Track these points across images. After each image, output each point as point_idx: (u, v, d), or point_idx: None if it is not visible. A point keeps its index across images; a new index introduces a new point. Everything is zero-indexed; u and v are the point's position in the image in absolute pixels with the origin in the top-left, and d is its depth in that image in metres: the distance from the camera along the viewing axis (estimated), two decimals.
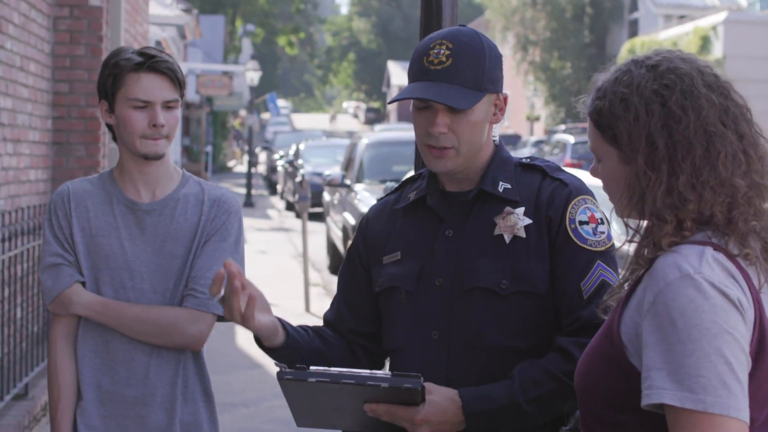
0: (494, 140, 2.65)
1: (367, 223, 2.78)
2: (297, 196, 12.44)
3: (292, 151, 30.10)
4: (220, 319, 3.11)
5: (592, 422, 2.02)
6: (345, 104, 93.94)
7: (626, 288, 2.03)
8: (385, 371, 2.39)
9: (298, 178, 17.95)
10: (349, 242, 3.07)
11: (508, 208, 2.55)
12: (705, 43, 30.55)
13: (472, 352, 2.52)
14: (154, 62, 3.05)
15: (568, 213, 2.51)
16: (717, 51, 29.46)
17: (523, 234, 2.52)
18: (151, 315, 3.08)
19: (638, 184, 1.98)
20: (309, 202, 12.01)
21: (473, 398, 2.43)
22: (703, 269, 1.87)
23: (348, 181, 13.88)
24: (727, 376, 1.81)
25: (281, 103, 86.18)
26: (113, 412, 3.12)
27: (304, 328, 2.71)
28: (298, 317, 10.82)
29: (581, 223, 2.51)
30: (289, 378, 2.37)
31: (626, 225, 2.04)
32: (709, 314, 1.83)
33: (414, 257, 2.61)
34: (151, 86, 3.06)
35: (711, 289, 1.85)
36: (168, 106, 3.09)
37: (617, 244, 2.24)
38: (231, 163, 53.12)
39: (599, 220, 2.53)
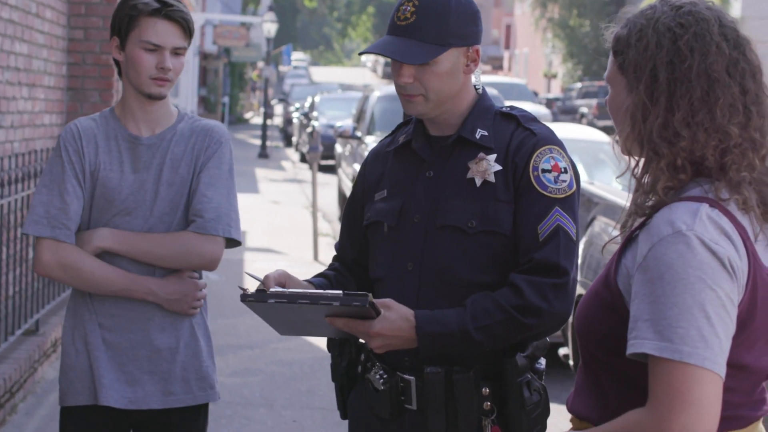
0: (477, 89, 2.84)
1: (365, 164, 3.01)
2: (308, 147, 12.60)
3: (307, 104, 30.20)
4: (230, 244, 3.35)
5: (594, 365, 2.13)
6: (363, 58, 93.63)
7: (623, 235, 2.11)
8: (337, 290, 2.61)
9: (309, 129, 18.08)
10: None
11: (481, 154, 2.74)
12: (723, 4, 30.45)
13: (441, 283, 2.72)
14: (170, 10, 3.27)
15: (532, 161, 2.69)
16: (735, 11, 29.39)
17: (492, 179, 2.71)
18: (166, 240, 3.29)
19: (638, 114, 2.04)
20: (319, 152, 12.15)
21: (426, 320, 2.63)
22: (695, 226, 1.93)
23: (359, 133, 14.01)
24: (705, 330, 1.88)
25: (300, 55, 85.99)
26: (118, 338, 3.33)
27: (326, 276, 2.95)
28: (306, 265, 11.02)
29: (544, 171, 2.68)
30: (251, 300, 2.61)
31: (627, 153, 2.09)
32: (696, 270, 1.90)
33: (398, 195, 2.82)
34: (164, 32, 3.27)
35: (700, 246, 1.91)
36: (176, 52, 3.30)
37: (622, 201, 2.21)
38: (248, 115, 53.22)
39: (562, 169, 2.69)
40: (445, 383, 2.67)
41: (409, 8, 2.71)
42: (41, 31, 7.39)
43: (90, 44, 8.21)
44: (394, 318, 2.62)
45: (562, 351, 6.92)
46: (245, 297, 2.61)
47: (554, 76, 50.47)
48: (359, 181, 3.00)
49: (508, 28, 58.72)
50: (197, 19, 26.48)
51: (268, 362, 7.38)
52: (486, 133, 2.76)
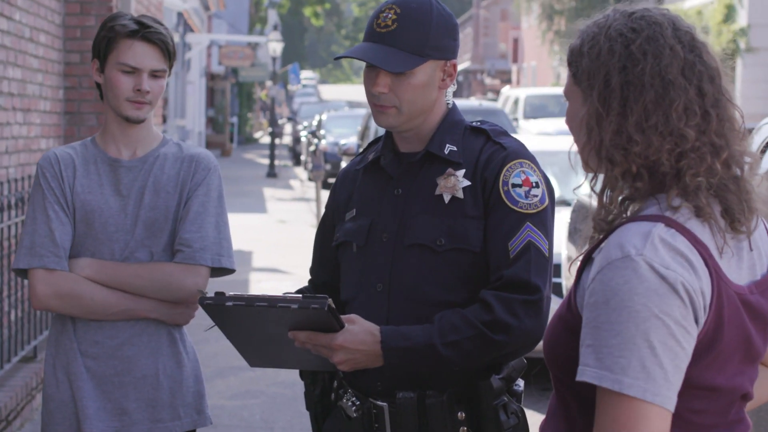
0: (447, 104, 2.77)
1: (335, 184, 2.95)
2: (311, 166, 12.59)
3: (315, 122, 30.19)
4: (216, 273, 3.28)
5: (562, 389, 2.06)
6: None
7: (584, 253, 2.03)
8: (297, 295, 2.53)
9: (312, 148, 18.09)
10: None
11: (449, 170, 2.67)
12: (730, 11, 30.36)
13: (410, 304, 2.65)
14: (148, 32, 3.23)
15: (502, 175, 2.62)
16: (742, 20, 29.27)
17: (461, 195, 2.64)
18: (147, 271, 3.23)
19: (592, 122, 1.97)
20: (323, 171, 12.18)
21: (391, 335, 2.55)
22: (645, 251, 1.84)
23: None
24: (648, 361, 1.80)
25: (309, 74, 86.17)
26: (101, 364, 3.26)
27: None
28: None
29: (514, 185, 2.61)
30: (209, 303, 2.53)
31: (586, 165, 2.02)
32: (642, 297, 1.82)
33: (366, 214, 2.76)
34: (141, 54, 3.22)
35: (649, 272, 1.83)
36: (155, 74, 3.25)
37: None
38: (257, 135, 53.27)
39: (533, 184, 2.62)
40: (418, 408, 2.60)
41: (390, 15, 2.64)
42: (35, 55, 7.37)
43: (86, 68, 8.18)
44: (358, 331, 2.54)
45: None
46: (203, 299, 2.54)
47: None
48: (330, 201, 2.93)
49: (516, 41, 58.74)
50: (203, 40, 26.51)
51: (269, 384, 7.33)
52: (455, 148, 2.69)
